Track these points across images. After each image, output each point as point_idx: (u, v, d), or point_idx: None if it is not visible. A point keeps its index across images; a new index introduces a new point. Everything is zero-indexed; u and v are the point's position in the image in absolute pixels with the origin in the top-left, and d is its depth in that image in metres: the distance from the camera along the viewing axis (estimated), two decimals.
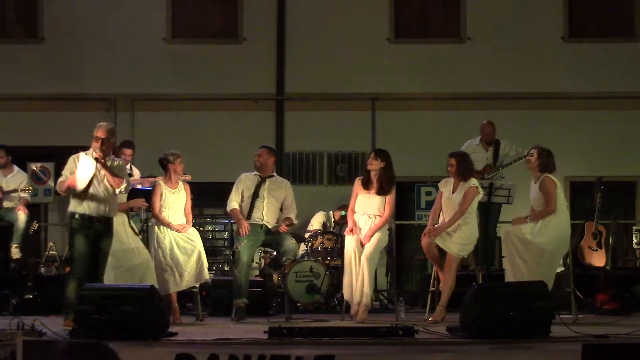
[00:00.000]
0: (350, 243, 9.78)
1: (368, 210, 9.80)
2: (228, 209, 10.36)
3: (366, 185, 9.87)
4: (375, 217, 9.78)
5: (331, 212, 13.32)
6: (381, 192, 9.80)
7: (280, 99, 15.67)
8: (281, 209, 10.40)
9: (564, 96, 15.29)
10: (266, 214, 10.15)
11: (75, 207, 8.92)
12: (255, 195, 10.17)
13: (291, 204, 10.39)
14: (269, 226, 10.16)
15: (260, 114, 15.51)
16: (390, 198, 9.82)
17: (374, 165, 9.85)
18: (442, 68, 15.47)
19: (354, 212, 9.89)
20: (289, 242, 10.14)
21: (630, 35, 15.66)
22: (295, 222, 10.41)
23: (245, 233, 10.04)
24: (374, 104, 15.48)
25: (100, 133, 8.93)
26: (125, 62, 15.44)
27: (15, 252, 11.87)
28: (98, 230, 8.91)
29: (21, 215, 11.84)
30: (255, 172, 10.32)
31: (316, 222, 13.15)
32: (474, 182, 9.68)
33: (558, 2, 15.59)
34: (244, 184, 10.26)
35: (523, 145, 11.96)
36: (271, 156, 10.39)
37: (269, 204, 10.19)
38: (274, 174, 10.45)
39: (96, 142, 8.90)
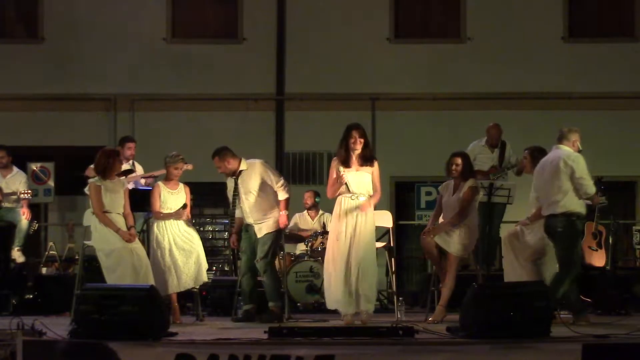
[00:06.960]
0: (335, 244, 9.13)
1: (361, 189, 9.12)
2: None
3: (347, 163, 9.18)
4: (368, 196, 9.13)
5: (305, 212, 12.97)
6: (367, 163, 9.15)
7: (280, 99, 15.66)
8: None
9: (564, 96, 15.28)
10: (249, 209, 9.89)
11: None
12: (235, 197, 9.96)
13: (275, 181, 9.91)
14: (255, 221, 9.88)
15: (260, 114, 15.50)
16: (376, 172, 9.22)
17: (359, 145, 9.19)
18: (442, 68, 15.47)
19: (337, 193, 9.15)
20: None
21: (630, 35, 15.65)
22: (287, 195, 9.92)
23: (232, 245, 10.13)
24: (374, 104, 15.47)
25: None
26: (125, 62, 15.44)
27: (18, 255, 11.85)
28: None
29: (23, 220, 11.87)
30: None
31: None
32: (472, 181, 9.68)
33: (558, 2, 15.59)
34: (228, 189, 10.14)
35: (523, 145, 11.94)
36: (225, 158, 9.88)
37: (247, 199, 9.87)
38: (243, 166, 9.94)
39: None
